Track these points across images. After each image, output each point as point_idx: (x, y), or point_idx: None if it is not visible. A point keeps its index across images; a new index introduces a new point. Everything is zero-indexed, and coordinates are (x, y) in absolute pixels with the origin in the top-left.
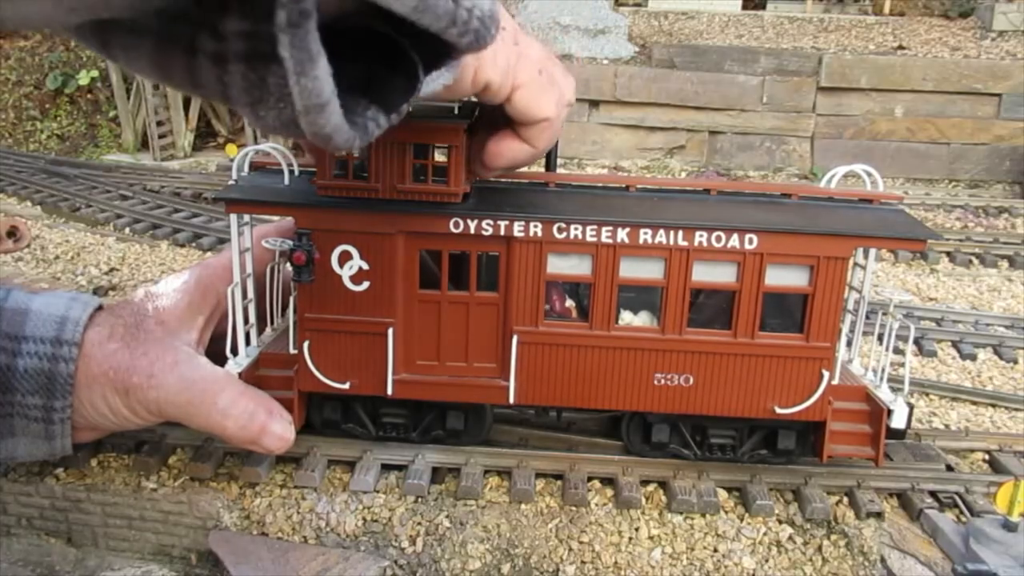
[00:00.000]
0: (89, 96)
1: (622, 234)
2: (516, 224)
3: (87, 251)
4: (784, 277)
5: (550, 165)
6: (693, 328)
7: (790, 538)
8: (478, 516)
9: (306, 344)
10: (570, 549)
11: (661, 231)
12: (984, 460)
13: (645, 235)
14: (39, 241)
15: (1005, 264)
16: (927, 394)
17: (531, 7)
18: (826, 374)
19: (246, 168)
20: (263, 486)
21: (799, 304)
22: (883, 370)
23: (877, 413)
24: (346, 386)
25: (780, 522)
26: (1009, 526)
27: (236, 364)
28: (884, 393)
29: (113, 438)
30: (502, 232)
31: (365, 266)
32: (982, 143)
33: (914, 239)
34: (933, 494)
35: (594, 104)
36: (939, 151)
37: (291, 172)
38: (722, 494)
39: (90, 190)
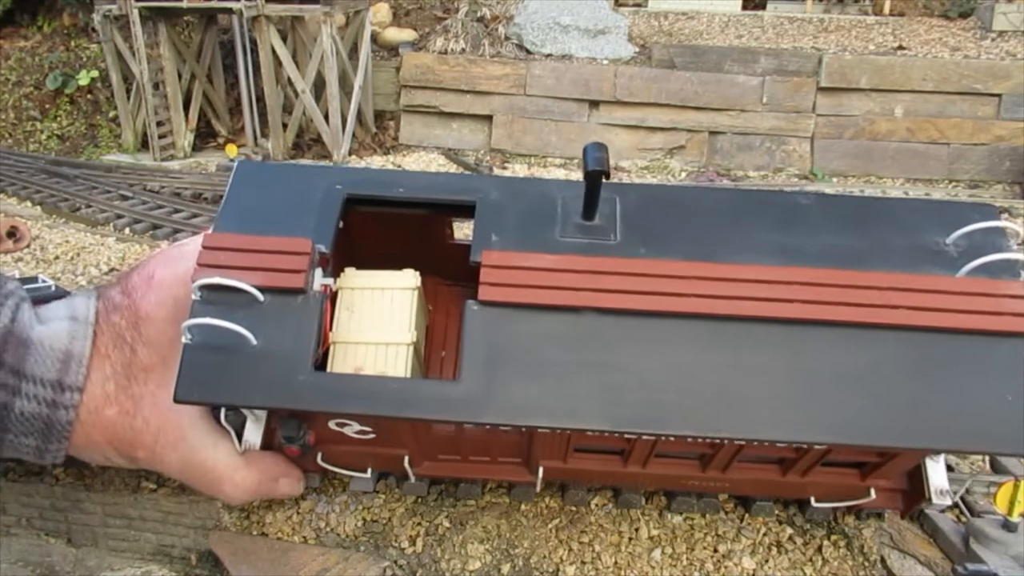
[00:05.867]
0: (89, 96)
1: None
2: None
3: (87, 251)
4: None
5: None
6: None
7: (790, 538)
8: (478, 516)
9: None
10: (570, 549)
11: None
12: (984, 460)
13: None
14: (39, 241)
15: None
16: None
17: (531, 7)
18: None
19: None
20: None
21: None
22: None
23: None
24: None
25: (780, 523)
26: (1009, 526)
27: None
28: None
29: None
30: None
31: None
32: (982, 143)
33: None
34: None
35: (594, 104)
36: (939, 151)
37: None
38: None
39: (90, 190)
